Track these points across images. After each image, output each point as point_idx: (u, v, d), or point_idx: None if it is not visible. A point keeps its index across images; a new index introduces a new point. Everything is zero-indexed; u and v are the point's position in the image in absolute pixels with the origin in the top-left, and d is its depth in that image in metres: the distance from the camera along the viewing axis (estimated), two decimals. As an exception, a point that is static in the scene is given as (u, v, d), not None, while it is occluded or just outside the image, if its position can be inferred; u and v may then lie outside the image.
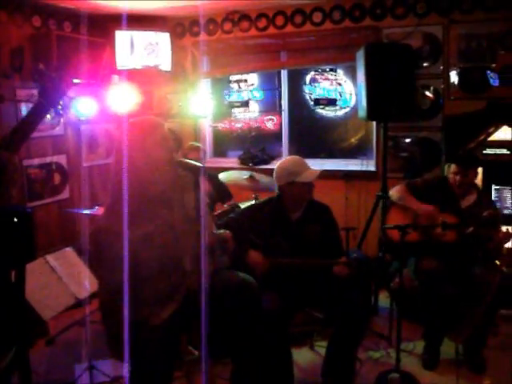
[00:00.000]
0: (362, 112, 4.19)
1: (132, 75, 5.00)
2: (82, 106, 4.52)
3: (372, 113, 4.07)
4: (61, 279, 2.76)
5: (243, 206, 4.04)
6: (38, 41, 4.55)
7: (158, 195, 2.28)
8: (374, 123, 5.03)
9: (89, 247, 2.32)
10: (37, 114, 1.50)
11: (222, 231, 2.57)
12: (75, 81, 4.27)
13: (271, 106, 5.60)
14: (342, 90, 5.30)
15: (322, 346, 3.51)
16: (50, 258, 2.80)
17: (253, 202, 4.05)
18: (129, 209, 2.13)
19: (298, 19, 5.17)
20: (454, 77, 4.67)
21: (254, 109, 5.64)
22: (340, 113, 5.36)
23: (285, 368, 2.91)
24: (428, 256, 3.38)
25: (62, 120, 4.72)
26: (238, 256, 2.74)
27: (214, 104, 5.30)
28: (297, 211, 3.11)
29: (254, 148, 5.54)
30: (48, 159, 4.69)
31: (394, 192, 3.65)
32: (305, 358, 3.54)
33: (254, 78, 5.65)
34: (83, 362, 3.30)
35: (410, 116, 4.28)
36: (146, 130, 2.25)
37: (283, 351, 2.90)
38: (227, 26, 5.44)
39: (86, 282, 2.85)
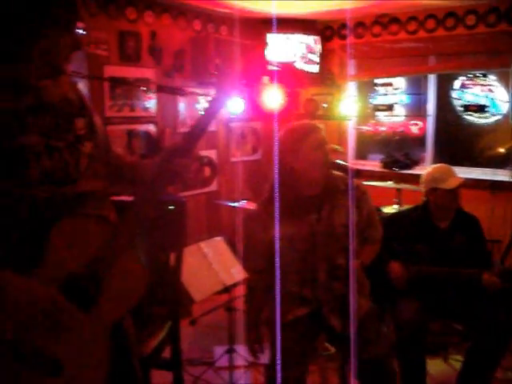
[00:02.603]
0: (515, 120, 3.99)
1: (281, 76, 5.19)
2: (232, 104, 4.80)
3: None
4: (211, 265, 2.98)
5: (385, 209, 4.06)
6: (197, 43, 4.89)
7: (309, 199, 2.37)
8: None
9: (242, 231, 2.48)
10: (215, 108, 1.63)
11: None
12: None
13: (417, 110, 5.50)
14: (493, 97, 5.07)
15: (456, 360, 3.43)
16: (203, 244, 3.04)
17: (394, 206, 4.05)
18: (280, 209, 2.24)
19: (450, 22, 5.01)
20: None
21: (399, 113, 5.58)
22: (490, 120, 5.13)
23: (418, 378, 2.89)
24: None
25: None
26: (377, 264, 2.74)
27: (358, 107, 5.33)
28: (444, 220, 3.07)
29: (397, 152, 5.49)
30: (201, 153, 5.04)
31: None
32: (438, 369, 3.46)
33: (400, 82, 5.59)
34: (223, 344, 3.51)
35: None
36: (302, 135, 2.34)
37: (418, 361, 2.88)
38: (376, 29, 5.42)
39: (233, 271, 3.04)
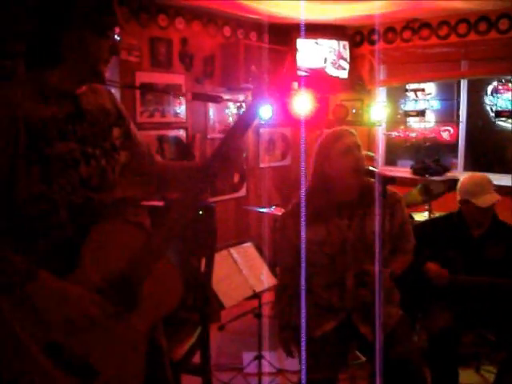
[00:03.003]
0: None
1: (310, 82, 5.18)
2: (262, 110, 4.80)
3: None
4: (241, 271, 2.98)
5: (416, 217, 4.01)
6: (227, 49, 4.92)
7: (342, 204, 2.37)
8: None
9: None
10: (251, 114, 1.63)
11: None
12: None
13: (448, 116, 5.44)
14: (527, 102, 4.97)
15: (488, 371, 3.37)
16: (232, 250, 3.04)
17: (425, 213, 4.00)
18: (313, 212, 2.30)
19: (483, 27, 4.93)
20: None
21: (430, 118, 5.52)
22: (524, 126, 5.04)
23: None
24: None
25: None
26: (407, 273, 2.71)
27: (388, 112, 5.29)
28: (479, 228, 3.01)
29: (428, 158, 5.42)
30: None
31: None
32: (469, 379, 3.38)
33: (431, 88, 5.53)
34: (252, 350, 3.51)
35: None
36: (332, 140, 2.37)
37: (451, 371, 2.83)
38: (406, 34, 5.37)
39: (262, 277, 3.04)
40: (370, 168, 2.25)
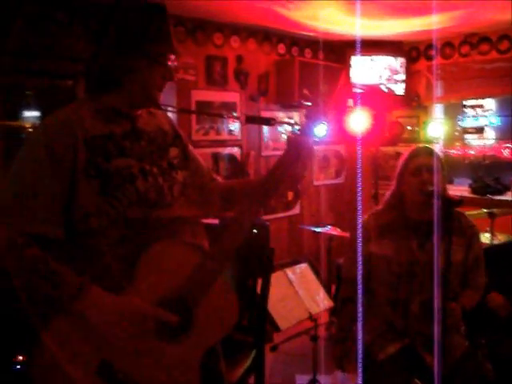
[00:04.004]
0: None
1: (366, 99, 5.11)
2: (316, 128, 4.75)
3: None
4: (297, 293, 2.94)
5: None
6: (281, 66, 4.92)
7: (415, 224, 2.32)
8: None
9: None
10: (305, 135, 1.62)
11: None
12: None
13: (509, 133, 5.25)
14: None
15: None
16: (288, 271, 3.00)
17: (486, 234, 3.85)
18: (385, 228, 2.32)
19: (545, 41, 4.78)
20: None
21: (490, 135, 5.34)
22: None
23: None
24: None
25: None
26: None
27: (445, 129, 5.16)
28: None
29: (488, 177, 5.25)
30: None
31: None
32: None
33: (490, 104, 5.36)
34: (305, 373, 3.44)
35: None
36: (407, 158, 2.36)
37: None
38: (465, 48, 5.24)
39: (318, 298, 2.98)
40: (437, 190, 2.19)
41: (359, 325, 2.17)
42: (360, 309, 2.18)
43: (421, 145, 2.53)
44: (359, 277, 2.20)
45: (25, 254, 1.39)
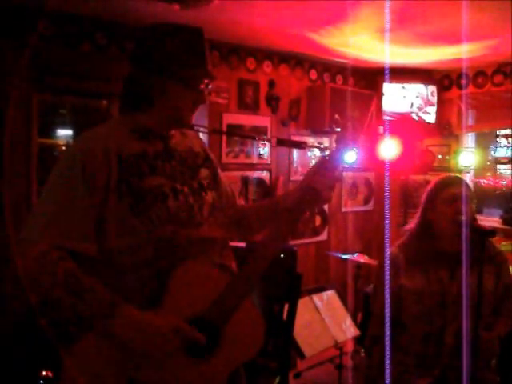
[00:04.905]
0: None
1: (396, 127, 5.09)
2: (346, 153, 4.74)
3: None
4: (323, 320, 2.90)
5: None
6: (313, 92, 4.93)
7: (445, 255, 2.28)
8: None
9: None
10: (335, 161, 1.63)
11: None
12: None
13: (542, 164, 5.17)
14: None
15: None
16: (315, 297, 2.97)
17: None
18: (414, 259, 2.27)
19: None
20: None
21: (523, 166, 5.26)
22: None
23: None
24: None
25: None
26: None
27: (477, 158, 5.10)
28: None
29: (519, 208, 5.15)
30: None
31: None
32: None
33: (524, 134, 5.29)
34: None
35: None
36: (439, 187, 2.32)
37: None
38: (498, 78, 5.18)
39: (344, 326, 2.94)
40: (471, 220, 2.16)
41: (386, 362, 2.12)
42: (388, 346, 2.13)
43: (451, 174, 2.49)
44: (387, 313, 2.16)
45: (59, 267, 1.41)
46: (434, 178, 2.44)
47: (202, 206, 1.62)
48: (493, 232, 2.06)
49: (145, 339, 1.42)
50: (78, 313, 1.41)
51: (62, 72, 3.43)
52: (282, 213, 1.63)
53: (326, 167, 1.59)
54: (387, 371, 2.10)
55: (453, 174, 2.48)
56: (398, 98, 5.19)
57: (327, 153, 1.64)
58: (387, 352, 2.12)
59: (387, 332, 2.11)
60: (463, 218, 2.15)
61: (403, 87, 5.20)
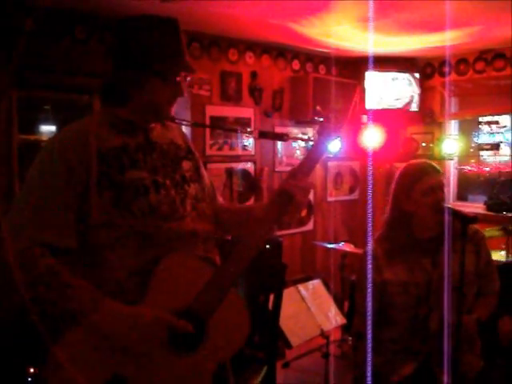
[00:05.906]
0: None
1: (380, 115, 5.11)
2: (330, 145, 4.75)
3: None
4: (309, 309, 2.91)
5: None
6: (296, 83, 4.94)
7: (424, 243, 2.26)
8: None
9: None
10: (317, 152, 1.63)
11: None
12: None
13: (525, 149, 5.21)
14: None
15: None
16: (301, 287, 2.99)
17: (502, 252, 3.81)
18: (393, 250, 2.24)
19: (560, 56, 4.75)
20: None
21: (505, 152, 5.29)
22: None
23: None
24: None
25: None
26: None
27: (460, 146, 5.14)
28: None
29: (503, 194, 5.19)
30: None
31: None
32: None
33: (506, 120, 5.31)
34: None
35: None
36: (416, 177, 2.25)
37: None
38: (479, 65, 5.22)
39: (330, 314, 2.96)
40: (452, 207, 2.16)
41: (368, 359, 2.12)
42: (370, 344, 2.12)
43: (420, 161, 2.39)
44: (369, 311, 2.14)
45: (40, 263, 1.40)
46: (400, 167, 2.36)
47: (185, 199, 1.61)
48: (475, 218, 2.06)
49: (129, 330, 1.41)
50: (62, 309, 1.41)
51: (42, 67, 3.40)
52: (257, 210, 1.65)
53: (310, 159, 1.59)
54: (369, 368, 2.10)
55: (422, 161, 2.37)
56: (382, 86, 5.20)
57: (311, 144, 1.64)
58: (369, 349, 2.11)
59: (369, 331, 2.11)
60: (445, 206, 2.15)
61: (386, 76, 5.21)
